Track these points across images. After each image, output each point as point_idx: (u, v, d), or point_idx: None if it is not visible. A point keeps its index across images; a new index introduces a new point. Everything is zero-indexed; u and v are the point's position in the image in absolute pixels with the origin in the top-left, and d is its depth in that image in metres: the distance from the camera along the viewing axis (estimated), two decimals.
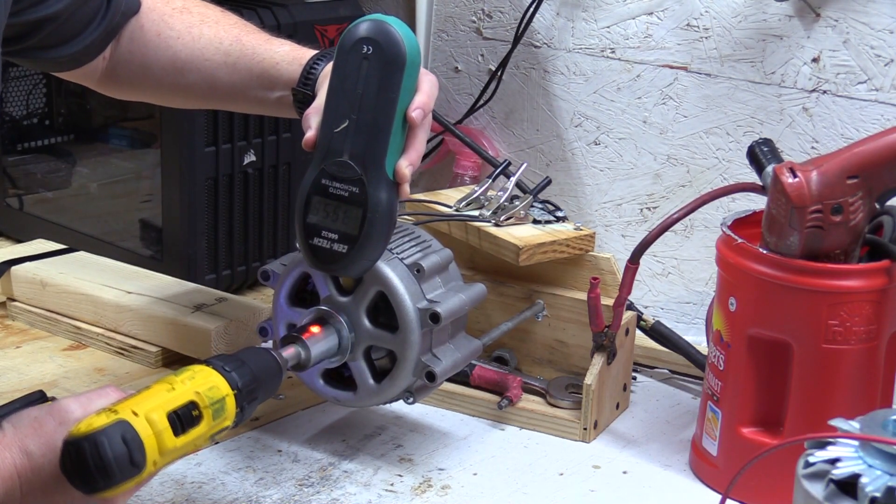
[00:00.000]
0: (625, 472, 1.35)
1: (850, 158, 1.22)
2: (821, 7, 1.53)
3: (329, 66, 1.21)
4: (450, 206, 1.49)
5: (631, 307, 1.49)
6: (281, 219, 1.76)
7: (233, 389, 1.05)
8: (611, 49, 1.71)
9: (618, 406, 1.46)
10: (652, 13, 1.67)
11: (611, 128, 1.73)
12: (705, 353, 1.38)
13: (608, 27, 1.71)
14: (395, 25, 1.16)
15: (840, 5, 1.52)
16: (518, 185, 1.52)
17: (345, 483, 1.29)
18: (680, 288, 1.70)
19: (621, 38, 1.70)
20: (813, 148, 1.57)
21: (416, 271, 1.25)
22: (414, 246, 1.29)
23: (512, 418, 1.43)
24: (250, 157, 1.70)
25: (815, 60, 1.55)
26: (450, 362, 1.27)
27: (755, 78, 1.60)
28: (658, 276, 1.72)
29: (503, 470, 1.34)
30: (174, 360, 1.50)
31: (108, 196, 1.93)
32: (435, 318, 1.23)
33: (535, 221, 1.47)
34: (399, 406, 1.40)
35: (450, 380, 1.37)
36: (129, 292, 1.56)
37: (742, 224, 1.32)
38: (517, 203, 1.47)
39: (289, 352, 1.18)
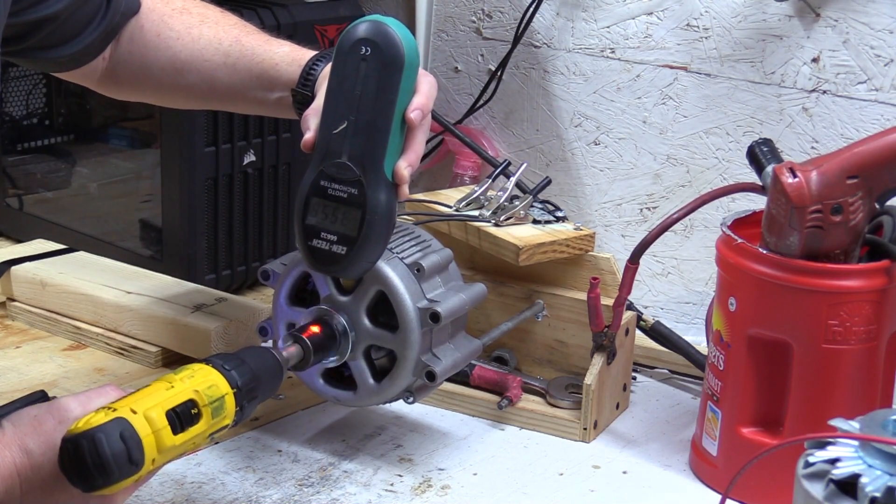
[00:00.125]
0: (625, 472, 1.35)
1: (850, 158, 1.22)
2: (821, 7, 1.53)
3: (328, 67, 1.21)
4: (450, 206, 1.49)
5: (631, 307, 1.49)
6: (281, 219, 1.76)
7: (232, 388, 1.05)
8: (611, 49, 1.71)
9: (618, 406, 1.46)
10: (652, 13, 1.67)
11: (611, 128, 1.73)
12: (705, 353, 1.38)
13: (608, 27, 1.71)
14: (394, 26, 1.16)
15: (840, 5, 1.52)
16: (518, 185, 1.52)
17: (345, 483, 1.29)
18: (680, 288, 1.70)
19: (621, 38, 1.70)
20: (813, 148, 1.57)
21: (416, 271, 1.25)
22: (414, 245, 1.29)
23: (512, 418, 1.43)
24: (250, 157, 1.70)
25: (814, 60, 1.55)
26: (450, 362, 1.27)
27: (755, 78, 1.60)
28: (658, 276, 1.72)
29: (503, 470, 1.34)
30: (174, 361, 1.50)
31: (107, 196, 1.93)
32: (435, 317, 1.23)
33: (535, 221, 1.47)
34: (399, 406, 1.40)
35: (450, 380, 1.37)
36: (129, 292, 1.56)
37: (742, 224, 1.32)
38: (517, 203, 1.47)
39: (289, 351, 1.18)
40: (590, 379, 1.38)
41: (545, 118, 1.79)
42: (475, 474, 1.32)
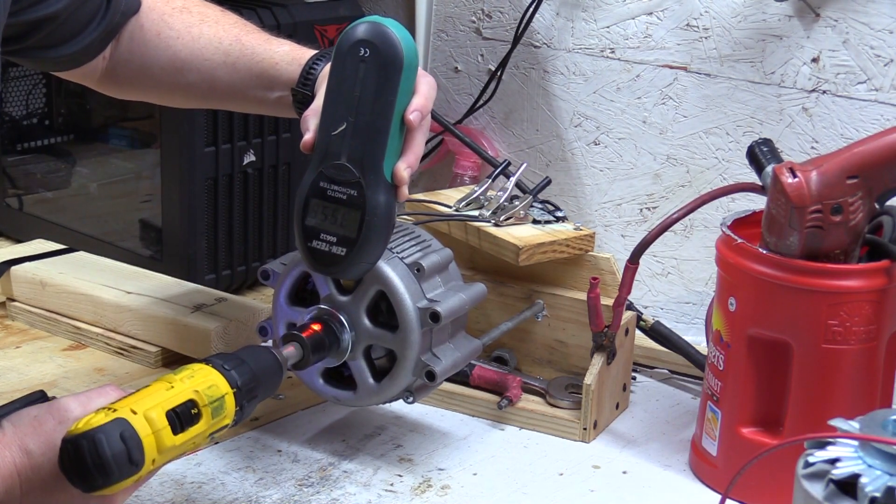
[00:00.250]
0: (624, 472, 1.35)
1: (849, 158, 1.22)
2: (820, 7, 1.53)
3: (328, 66, 1.21)
4: (449, 206, 1.49)
5: (630, 307, 1.49)
6: (281, 219, 1.76)
7: (232, 388, 1.05)
8: (610, 49, 1.71)
9: (617, 406, 1.46)
10: (652, 13, 1.67)
11: (610, 128, 1.73)
12: (705, 353, 1.38)
13: (608, 27, 1.71)
14: (393, 27, 1.16)
15: (840, 5, 1.52)
16: (518, 185, 1.52)
17: (345, 483, 1.29)
18: (679, 288, 1.70)
19: (621, 38, 1.70)
20: (813, 148, 1.57)
21: (416, 270, 1.25)
22: (414, 245, 1.29)
23: (512, 418, 1.43)
24: (250, 157, 1.70)
25: (814, 60, 1.55)
26: (450, 362, 1.27)
27: (755, 78, 1.60)
28: (658, 276, 1.72)
29: (503, 470, 1.34)
30: (174, 361, 1.50)
31: (107, 196, 1.93)
32: (435, 317, 1.23)
33: (535, 221, 1.47)
34: (399, 406, 1.40)
35: (449, 380, 1.37)
36: (129, 292, 1.56)
37: (742, 224, 1.32)
38: (517, 203, 1.47)
39: (289, 350, 1.18)
40: (589, 379, 1.38)
41: (545, 118, 1.79)
42: (475, 474, 1.32)
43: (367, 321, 1.25)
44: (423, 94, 1.19)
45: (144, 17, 1.36)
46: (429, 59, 1.89)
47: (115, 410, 0.97)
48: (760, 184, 1.32)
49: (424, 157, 1.38)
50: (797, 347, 1.23)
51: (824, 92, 1.55)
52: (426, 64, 1.88)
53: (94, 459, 0.94)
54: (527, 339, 1.52)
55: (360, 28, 1.16)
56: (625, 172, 1.73)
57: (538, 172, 1.76)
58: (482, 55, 1.85)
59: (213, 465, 1.31)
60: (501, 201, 1.47)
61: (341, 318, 1.25)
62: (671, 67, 1.66)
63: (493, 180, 1.52)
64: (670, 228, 1.36)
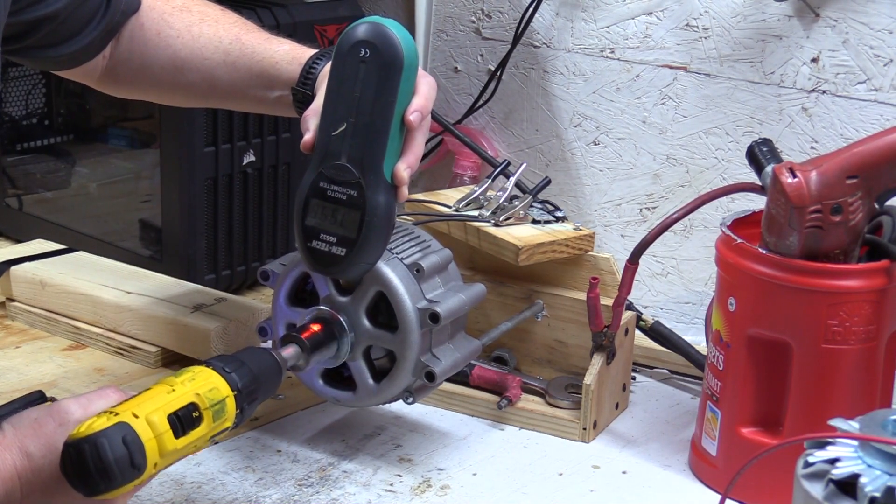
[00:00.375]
0: (624, 472, 1.35)
1: (849, 158, 1.22)
2: (820, 7, 1.53)
3: (328, 66, 1.21)
4: (449, 206, 1.49)
5: (630, 307, 1.49)
6: (280, 219, 1.76)
7: (233, 391, 1.05)
8: (610, 49, 1.71)
9: (617, 406, 1.46)
10: (651, 13, 1.67)
11: (610, 128, 1.73)
12: (705, 353, 1.38)
13: (607, 27, 1.71)
14: (393, 28, 1.16)
15: (839, 5, 1.52)
16: (517, 185, 1.52)
17: (344, 483, 1.29)
18: (679, 288, 1.70)
19: (621, 38, 1.70)
20: (812, 148, 1.57)
21: (416, 271, 1.25)
22: (413, 246, 1.29)
23: (511, 418, 1.43)
24: (250, 157, 1.70)
25: (814, 60, 1.55)
26: (449, 362, 1.27)
27: (754, 78, 1.60)
28: (657, 276, 1.72)
29: (503, 470, 1.34)
30: (174, 361, 1.50)
31: (107, 196, 1.93)
32: (435, 317, 1.23)
33: (535, 221, 1.47)
34: (399, 406, 1.40)
35: (449, 380, 1.37)
36: (129, 292, 1.56)
37: (741, 224, 1.32)
38: (517, 203, 1.47)
39: (288, 351, 1.18)
40: (589, 379, 1.39)
41: (545, 118, 1.79)
42: (475, 474, 1.33)
43: (366, 322, 1.25)
44: (423, 95, 1.19)
45: (144, 16, 1.36)
46: (429, 59, 1.89)
47: (116, 414, 0.96)
48: (760, 184, 1.32)
49: (424, 157, 1.37)
50: (797, 347, 1.23)
51: (824, 92, 1.55)
52: (426, 64, 1.88)
53: (97, 464, 0.94)
54: (526, 339, 1.52)
55: (361, 28, 1.17)
56: (624, 172, 1.73)
57: (538, 172, 1.76)
58: (482, 55, 1.85)
59: (213, 465, 1.31)
60: (501, 201, 1.47)
61: (341, 318, 1.25)
62: (671, 67, 1.66)
63: (492, 180, 1.52)
64: (670, 228, 1.36)
